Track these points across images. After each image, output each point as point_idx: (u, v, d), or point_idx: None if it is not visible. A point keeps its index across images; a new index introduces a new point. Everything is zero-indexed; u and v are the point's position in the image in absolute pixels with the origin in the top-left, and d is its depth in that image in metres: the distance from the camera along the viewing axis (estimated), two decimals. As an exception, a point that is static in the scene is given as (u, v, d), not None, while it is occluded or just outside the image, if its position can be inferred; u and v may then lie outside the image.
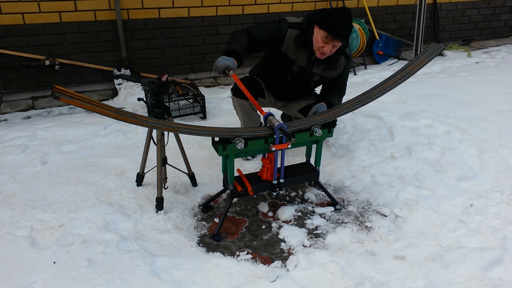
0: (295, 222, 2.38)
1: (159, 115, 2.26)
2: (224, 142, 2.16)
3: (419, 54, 2.41)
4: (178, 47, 4.42)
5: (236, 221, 2.41)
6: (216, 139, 2.21)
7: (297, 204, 2.55)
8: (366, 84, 4.42)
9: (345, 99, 2.69)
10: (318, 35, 2.35)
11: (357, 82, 4.62)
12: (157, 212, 2.37)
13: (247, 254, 2.14)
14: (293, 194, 2.65)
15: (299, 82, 2.68)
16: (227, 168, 2.22)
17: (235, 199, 2.48)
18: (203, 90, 4.17)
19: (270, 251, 2.17)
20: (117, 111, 1.86)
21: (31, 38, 3.81)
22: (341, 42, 2.36)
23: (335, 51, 2.46)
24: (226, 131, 2.15)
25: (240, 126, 3.04)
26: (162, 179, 2.36)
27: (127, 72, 4.14)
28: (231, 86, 4.29)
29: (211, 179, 2.74)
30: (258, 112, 2.75)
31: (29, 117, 3.68)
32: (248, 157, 2.98)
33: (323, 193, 2.61)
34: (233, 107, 2.91)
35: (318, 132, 2.28)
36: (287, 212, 2.43)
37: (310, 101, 2.77)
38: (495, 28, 6.50)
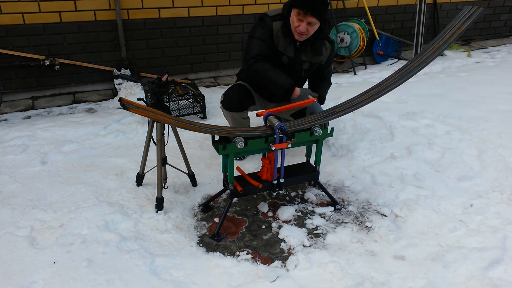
0: (295, 222, 2.38)
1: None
2: (224, 141, 2.16)
3: (454, 20, 2.14)
4: (178, 47, 4.42)
5: (236, 221, 2.41)
6: (216, 138, 2.21)
7: (297, 204, 2.55)
8: (366, 84, 4.42)
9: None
10: (293, 15, 2.36)
11: (357, 82, 4.62)
12: (157, 212, 2.37)
13: (247, 254, 2.14)
14: (293, 194, 2.65)
15: (290, 74, 2.63)
16: (227, 167, 2.22)
17: (235, 199, 2.48)
18: (203, 90, 4.17)
19: (270, 251, 2.17)
20: (176, 119, 2.04)
21: (31, 38, 3.81)
22: (314, 18, 2.30)
23: (317, 35, 2.45)
24: (228, 130, 2.16)
25: None
26: (162, 179, 2.36)
27: (127, 72, 4.14)
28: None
29: (211, 179, 2.74)
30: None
31: (29, 117, 3.68)
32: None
33: (323, 193, 2.61)
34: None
35: (318, 131, 2.28)
36: (287, 212, 2.43)
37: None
38: (495, 28, 6.50)
